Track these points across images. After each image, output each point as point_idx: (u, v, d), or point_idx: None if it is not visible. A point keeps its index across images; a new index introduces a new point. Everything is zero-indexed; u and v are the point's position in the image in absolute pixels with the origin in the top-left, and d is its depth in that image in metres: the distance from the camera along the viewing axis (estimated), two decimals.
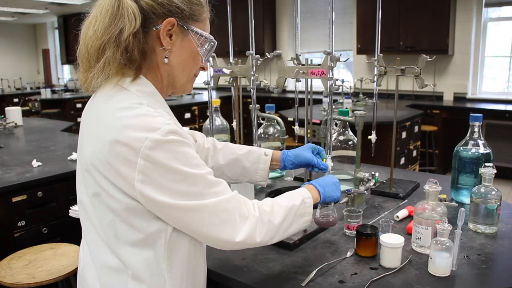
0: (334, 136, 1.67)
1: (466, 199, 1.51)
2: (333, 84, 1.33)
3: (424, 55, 1.53)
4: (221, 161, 1.29)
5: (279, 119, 1.87)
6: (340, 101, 4.39)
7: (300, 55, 1.52)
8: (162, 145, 0.81)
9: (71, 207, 1.86)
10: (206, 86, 1.76)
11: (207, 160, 1.28)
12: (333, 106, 1.86)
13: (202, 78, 1.79)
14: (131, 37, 0.85)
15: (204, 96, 6.55)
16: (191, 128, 1.36)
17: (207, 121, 1.87)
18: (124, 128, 0.81)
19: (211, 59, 1.70)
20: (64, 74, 11.59)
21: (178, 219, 0.86)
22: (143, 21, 0.87)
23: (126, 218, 0.86)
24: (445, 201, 1.23)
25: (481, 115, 1.47)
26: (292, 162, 1.30)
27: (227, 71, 1.68)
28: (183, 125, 1.01)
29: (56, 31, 11.09)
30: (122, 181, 0.82)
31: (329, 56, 1.31)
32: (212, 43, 0.98)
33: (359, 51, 5.85)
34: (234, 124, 1.82)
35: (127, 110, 0.84)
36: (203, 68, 1.01)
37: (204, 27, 0.97)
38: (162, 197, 0.82)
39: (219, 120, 2.03)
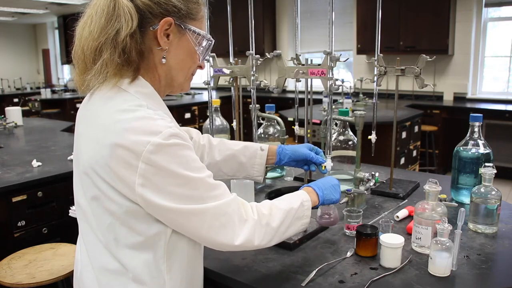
0: (334, 136, 1.67)
1: (466, 199, 1.51)
2: (333, 84, 1.33)
3: (424, 55, 1.53)
4: (217, 157, 1.28)
5: (279, 119, 1.87)
6: (340, 101, 4.39)
7: (300, 55, 1.52)
8: (164, 148, 0.80)
9: (71, 207, 1.85)
10: (206, 86, 1.76)
11: (203, 156, 1.27)
12: (333, 106, 1.86)
13: (202, 78, 1.79)
14: (128, 37, 0.84)
15: (204, 96, 6.55)
16: None
17: (207, 121, 1.87)
18: (125, 131, 0.80)
19: (211, 58, 1.70)
20: (64, 74, 11.59)
21: (178, 223, 0.85)
22: (140, 21, 0.86)
23: (126, 221, 0.85)
24: (445, 201, 1.23)
25: (481, 115, 1.47)
26: (288, 156, 1.30)
27: (227, 71, 1.68)
28: (183, 125, 1.02)
29: (56, 31, 11.10)
30: (122, 184, 0.81)
31: (329, 56, 1.31)
32: (210, 42, 0.96)
33: (359, 51, 5.85)
34: (234, 124, 1.81)
35: (127, 112, 0.82)
36: (201, 67, 1.00)
37: (201, 25, 0.95)
38: (163, 201, 0.81)
39: (219, 120, 2.03)
